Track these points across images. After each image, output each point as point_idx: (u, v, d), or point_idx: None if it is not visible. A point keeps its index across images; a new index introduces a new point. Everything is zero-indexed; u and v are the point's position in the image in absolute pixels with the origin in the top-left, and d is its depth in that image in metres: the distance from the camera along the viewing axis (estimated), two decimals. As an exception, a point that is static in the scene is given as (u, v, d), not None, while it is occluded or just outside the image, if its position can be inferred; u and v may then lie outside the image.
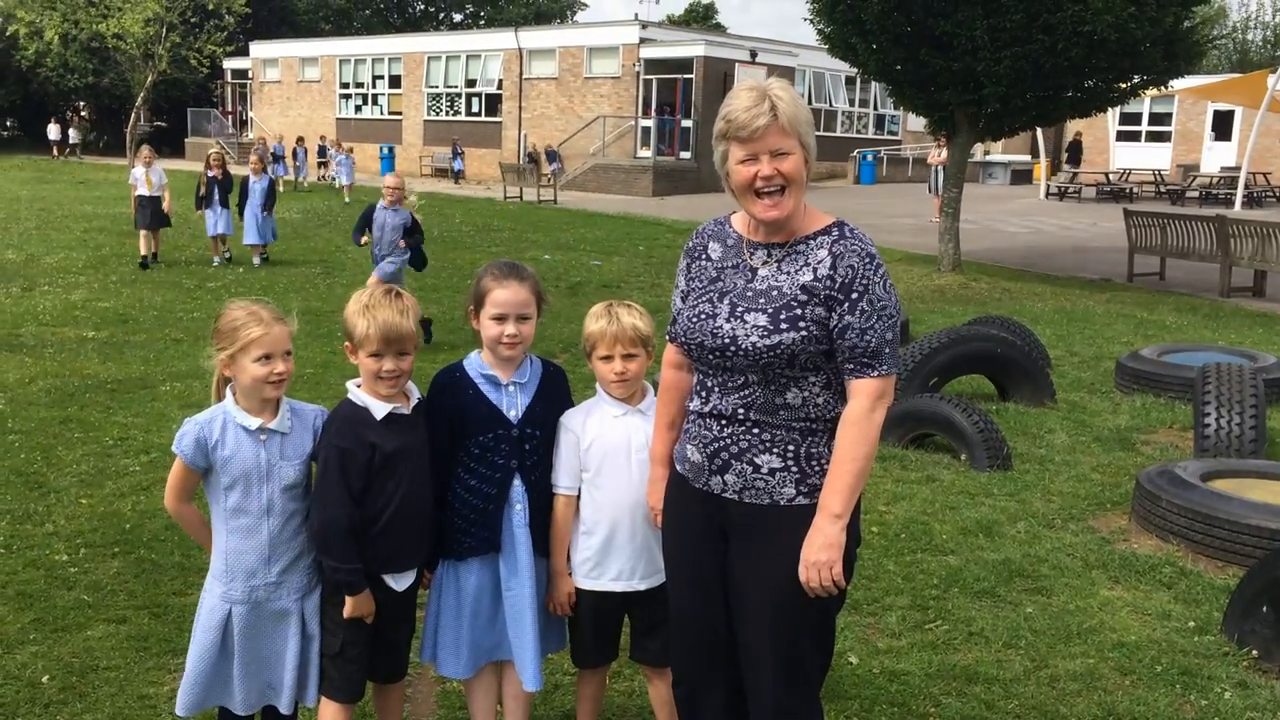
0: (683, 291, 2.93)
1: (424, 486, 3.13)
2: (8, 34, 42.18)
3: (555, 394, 3.30)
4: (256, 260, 15.34)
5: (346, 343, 3.12)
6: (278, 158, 31.89)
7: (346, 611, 3.05)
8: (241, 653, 3.04)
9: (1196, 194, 29.73)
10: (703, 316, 2.80)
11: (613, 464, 3.22)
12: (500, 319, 3.14)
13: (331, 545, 3.02)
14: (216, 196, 15.17)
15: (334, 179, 31.44)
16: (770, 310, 2.70)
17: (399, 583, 3.15)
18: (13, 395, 7.87)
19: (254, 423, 3.00)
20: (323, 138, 37.78)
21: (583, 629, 3.34)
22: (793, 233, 2.77)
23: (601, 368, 3.24)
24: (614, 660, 3.50)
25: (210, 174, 15.28)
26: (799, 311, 2.69)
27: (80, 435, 6.96)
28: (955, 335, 8.05)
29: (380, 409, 3.06)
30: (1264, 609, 4.27)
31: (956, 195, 16.27)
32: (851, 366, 2.70)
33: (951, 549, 5.36)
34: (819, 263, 2.71)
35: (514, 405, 3.21)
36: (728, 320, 2.74)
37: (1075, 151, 36.60)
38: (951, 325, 9.69)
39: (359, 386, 3.12)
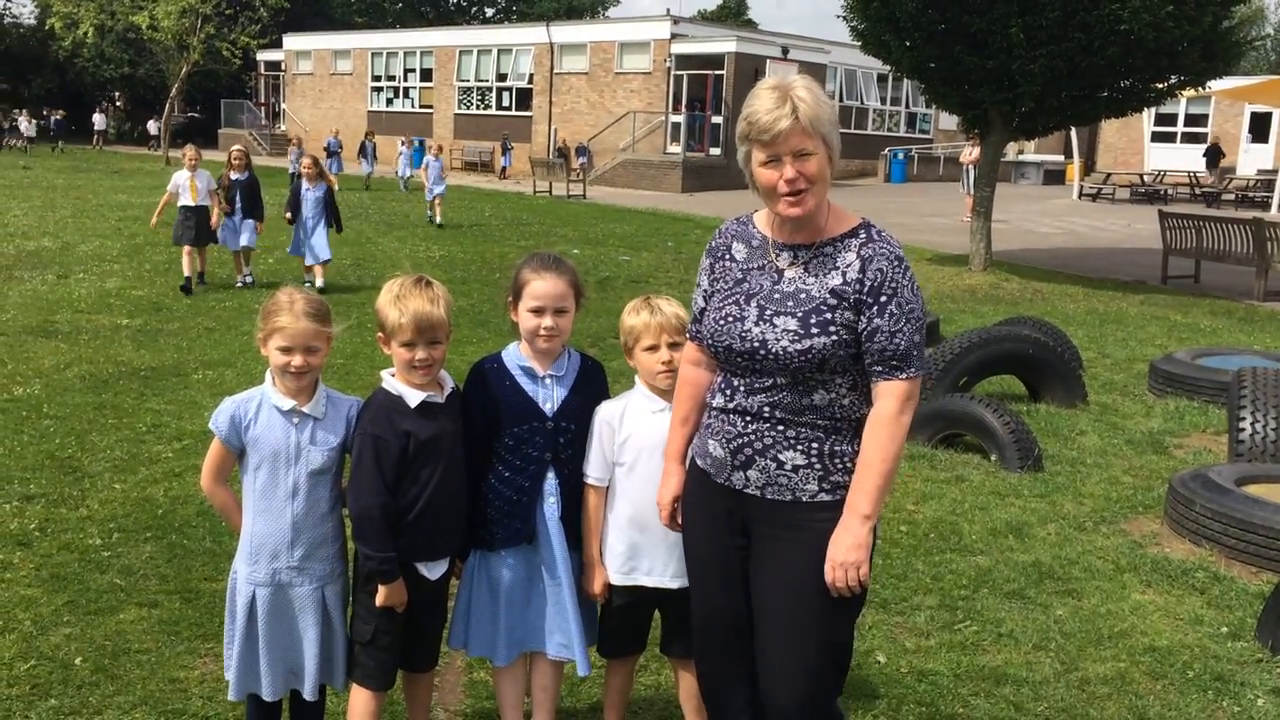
0: (706, 291, 2.92)
1: (457, 475, 3.14)
2: (46, 25, 42.69)
3: (592, 388, 3.30)
4: (319, 282, 12.27)
5: (379, 333, 3.13)
6: (331, 153, 29.64)
7: (379, 600, 3.07)
8: (266, 636, 3.08)
9: (1232, 196, 29.38)
10: (730, 319, 2.78)
11: (648, 461, 3.20)
12: (538, 311, 3.14)
13: (366, 533, 3.04)
14: (239, 203, 12.49)
15: (404, 177, 29.00)
16: (800, 314, 2.69)
17: (432, 571, 3.17)
18: (48, 381, 7.96)
19: (287, 404, 3.05)
20: (408, 137, 34.66)
21: (613, 621, 3.35)
22: (818, 232, 2.75)
23: (647, 360, 3.21)
24: (642, 652, 3.50)
25: (233, 176, 12.62)
26: (829, 315, 2.68)
27: (114, 421, 7.03)
28: (986, 335, 7.99)
29: (414, 397, 3.08)
30: (1299, 616, 4.22)
31: (989, 194, 16.14)
32: (880, 369, 2.69)
33: (981, 549, 5.33)
34: (847, 266, 2.70)
35: (550, 398, 3.22)
36: (756, 324, 2.73)
37: (1214, 155, 34.16)
38: (982, 325, 9.62)
39: (393, 375, 3.14)
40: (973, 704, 3.89)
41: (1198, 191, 30.09)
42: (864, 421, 2.73)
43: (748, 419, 2.78)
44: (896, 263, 2.70)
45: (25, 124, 44.38)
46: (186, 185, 12.13)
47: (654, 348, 3.20)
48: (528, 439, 3.19)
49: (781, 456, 2.75)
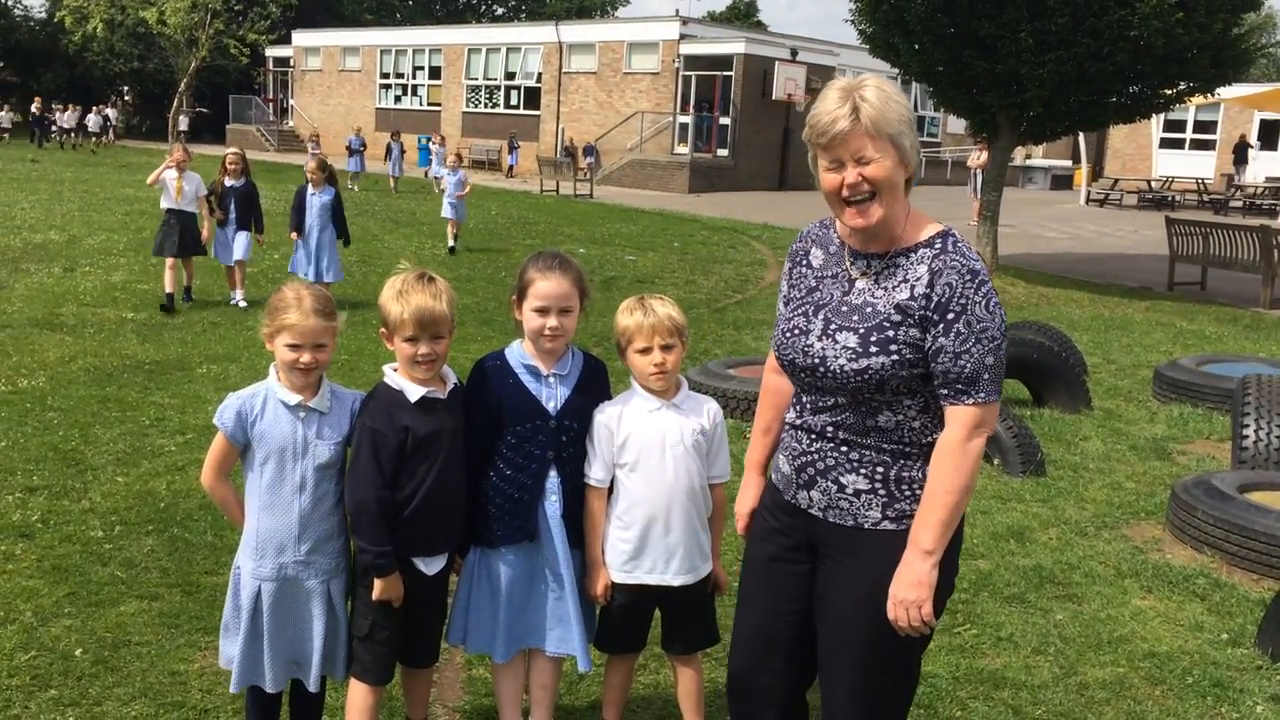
0: (784, 297, 2.82)
1: (457, 471, 3.14)
2: (55, 18, 42.77)
3: (595, 387, 3.30)
4: None
5: (381, 328, 3.14)
6: (353, 151, 27.79)
7: (375, 594, 3.08)
8: (270, 630, 3.08)
9: (1240, 204, 29.33)
10: (796, 331, 2.67)
11: (647, 459, 3.21)
12: (543, 311, 3.14)
13: (362, 526, 3.05)
14: (233, 213, 10.91)
15: (437, 178, 26.23)
16: (861, 330, 2.55)
17: (430, 566, 3.17)
18: (53, 373, 7.98)
19: (294, 399, 3.05)
20: (438, 135, 32.11)
21: (614, 618, 3.35)
22: (893, 241, 2.59)
23: (639, 361, 3.21)
24: (642, 649, 3.50)
25: (227, 182, 10.99)
26: (891, 333, 2.52)
27: (118, 414, 7.05)
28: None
29: (415, 392, 3.09)
30: (1300, 623, 4.22)
31: (996, 199, 16.13)
32: (946, 392, 2.51)
33: (982, 553, 5.33)
34: (916, 279, 2.53)
35: (553, 397, 3.22)
36: (820, 339, 2.60)
37: (1242, 152, 33.90)
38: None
39: (395, 370, 3.15)
40: (971, 707, 3.89)
41: (1205, 198, 30.04)
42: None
43: (812, 437, 2.68)
44: (969, 277, 2.50)
45: (94, 118, 41.80)
46: (172, 185, 10.60)
47: (646, 350, 3.18)
48: (530, 437, 3.20)
49: (843, 479, 2.63)
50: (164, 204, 10.66)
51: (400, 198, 25.27)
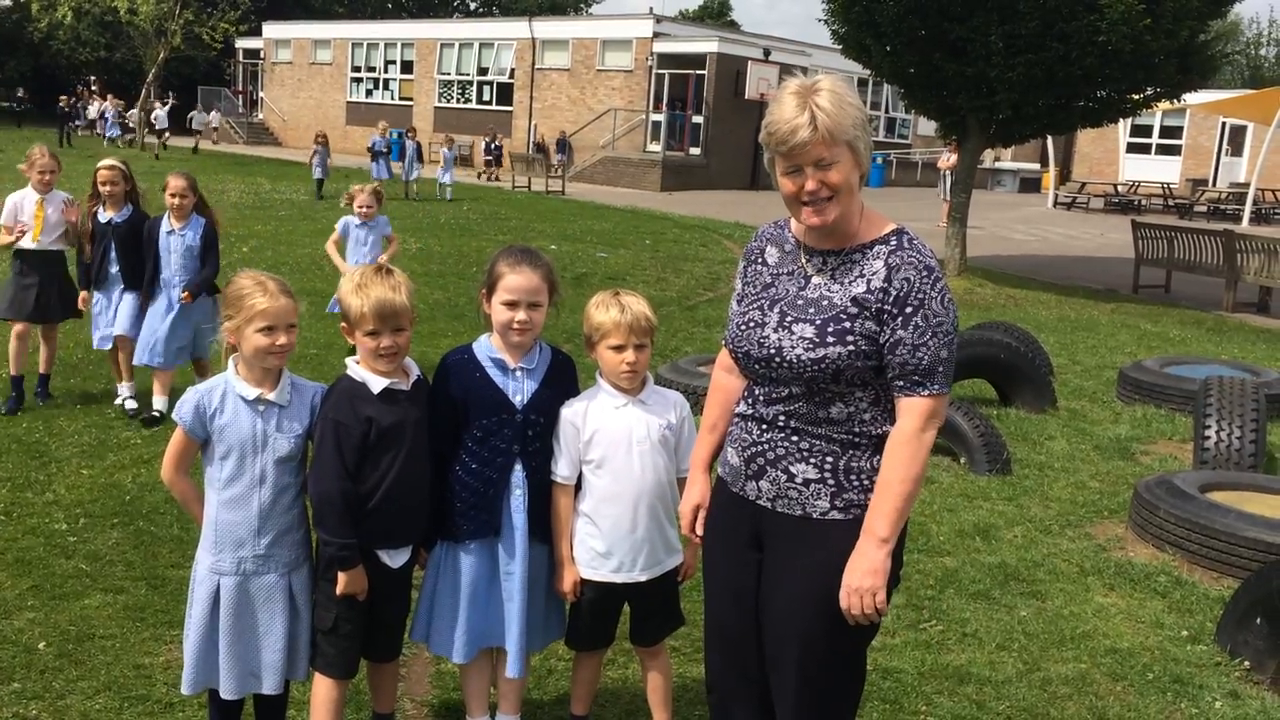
0: (739, 295, 2.85)
1: (420, 463, 3.14)
2: (22, 1, 42.14)
3: (562, 382, 3.31)
4: (157, 404, 6.72)
5: (343, 323, 3.14)
6: (377, 154, 24.10)
7: (339, 588, 3.07)
8: (228, 630, 3.05)
9: (1205, 209, 29.72)
10: (751, 324, 2.72)
11: (614, 456, 3.22)
12: (511, 305, 3.15)
13: (326, 518, 3.04)
14: (114, 264, 6.78)
15: (443, 183, 23.85)
16: (818, 322, 2.60)
17: (394, 559, 3.17)
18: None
19: (252, 393, 3.04)
20: (447, 136, 27.31)
21: (583, 615, 3.35)
22: (849, 238, 2.65)
23: (611, 358, 3.20)
24: (610, 644, 3.52)
25: (101, 217, 6.80)
26: (848, 324, 2.58)
27: (82, 407, 6.98)
28: (959, 339, 8.04)
29: (377, 384, 3.08)
30: (1257, 621, 4.29)
31: (964, 201, 16.24)
32: (902, 384, 2.57)
33: (948, 550, 5.38)
34: (873, 274, 2.59)
35: (520, 390, 3.22)
36: (775, 330, 2.65)
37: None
38: (955, 329, 9.67)
39: (357, 363, 3.15)
40: (936, 702, 3.93)
41: (1171, 203, 30.41)
42: (885, 439, 2.62)
43: (763, 427, 2.72)
44: (925, 273, 2.57)
45: (160, 114, 36.19)
46: (30, 212, 6.85)
47: (620, 347, 3.18)
48: (496, 431, 3.20)
49: (793, 469, 2.67)
50: (21, 240, 6.87)
51: (412, 204, 22.64)
